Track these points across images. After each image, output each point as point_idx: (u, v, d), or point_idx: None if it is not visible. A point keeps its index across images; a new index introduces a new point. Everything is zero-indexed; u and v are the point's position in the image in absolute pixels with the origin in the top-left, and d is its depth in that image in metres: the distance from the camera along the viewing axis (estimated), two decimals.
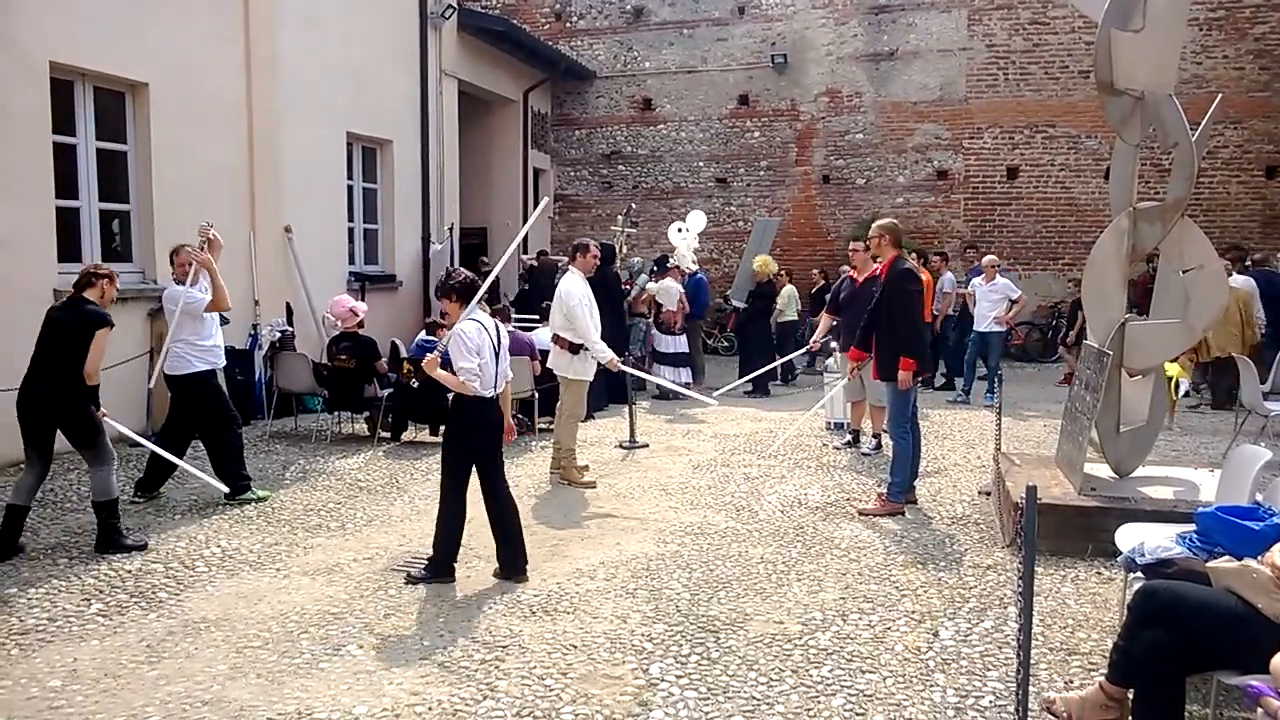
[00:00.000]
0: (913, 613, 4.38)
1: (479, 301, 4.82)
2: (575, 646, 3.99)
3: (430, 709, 3.43)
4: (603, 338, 6.99)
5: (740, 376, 12.07)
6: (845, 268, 10.32)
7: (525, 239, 12.78)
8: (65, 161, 7.80)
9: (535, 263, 14.20)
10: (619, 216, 13.36)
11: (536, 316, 10.64)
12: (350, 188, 11.56)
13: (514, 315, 10.24)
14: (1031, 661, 3.23)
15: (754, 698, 3.53)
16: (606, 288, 9.33)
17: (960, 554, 5.28)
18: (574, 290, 6.92)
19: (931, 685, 3.63)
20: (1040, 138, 15.22)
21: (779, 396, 11.53)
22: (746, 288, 12.64)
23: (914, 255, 9.41)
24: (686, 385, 10.82)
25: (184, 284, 6.13)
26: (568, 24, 17.29)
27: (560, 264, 11.50)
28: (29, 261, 7.28)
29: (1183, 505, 4.92)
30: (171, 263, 6.38)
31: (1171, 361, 7.71)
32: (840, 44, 16.02)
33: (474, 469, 4.83)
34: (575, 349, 6.94)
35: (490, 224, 16.12)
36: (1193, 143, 5.29)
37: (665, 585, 4.75)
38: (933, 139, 15.71)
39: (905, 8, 15.66)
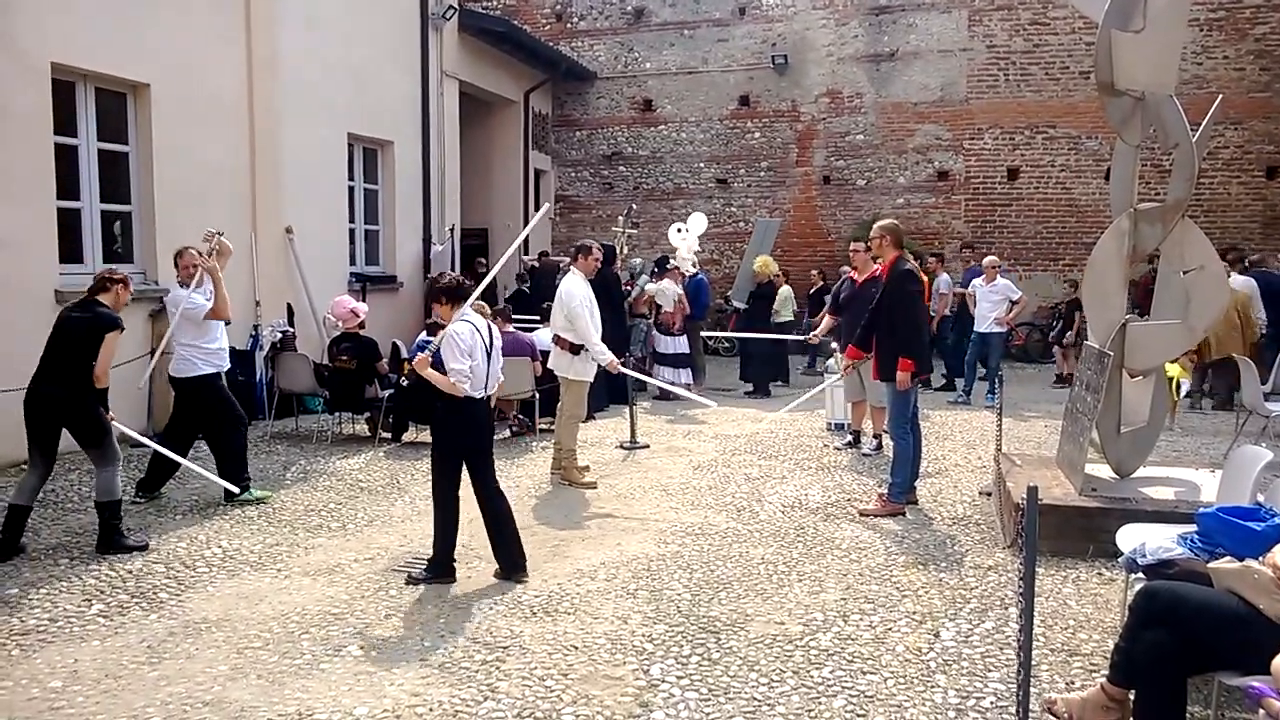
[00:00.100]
0: (914, 614, 4.38)
1: (473, 303, 4.85)
2: (576, 647, 3.99)
3: (431, 710, 3.43)
4: (603, 339, 6.99)
5: (740, 378, 12.10)
6: (845, 268, 10.33)
7: (526, 240, 12.85)
8: (67, 162, 7.81)
9: (536, 264, 14.21)
10: (620, 217, 13.35)
11: (537, 317, 10.63)
12: (351, 188, 11.56)
13: (513, 316, 10.23)
14: (1033, 662, 3.23)
15: (755, 699, 3.53)
16: (607, 289, 9.33)
17: (961, 555, 5.28)
18: (575, 291, 6.92)
19: (933, 686, 3.63)
20: (1041, 138, 15.22)
21: (779, 397, 11.52)
22: (747, 288, 12.65)
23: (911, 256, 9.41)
24: (687, 386, 10.82)
25: (188, 286, 6.12)
26: (568, 25, 17.29)
27: (561, 265, 11.51)
28: (30, 262, 7.28)
29: (1184, 506, 4.92)
30: (175, 264, 6.32)
31: (1172, 362, 7.72)
32: (841, 45, 16.02)
33: (465, 468, 4.84)
34: (576, 350, 6.95)
35: (491, 225, 16.12)
36: (1193, 143, 5.29)
37: (666, 586, 4.75)
38: (933, 140, 15.71)
39: (905, 8, 15.66)
